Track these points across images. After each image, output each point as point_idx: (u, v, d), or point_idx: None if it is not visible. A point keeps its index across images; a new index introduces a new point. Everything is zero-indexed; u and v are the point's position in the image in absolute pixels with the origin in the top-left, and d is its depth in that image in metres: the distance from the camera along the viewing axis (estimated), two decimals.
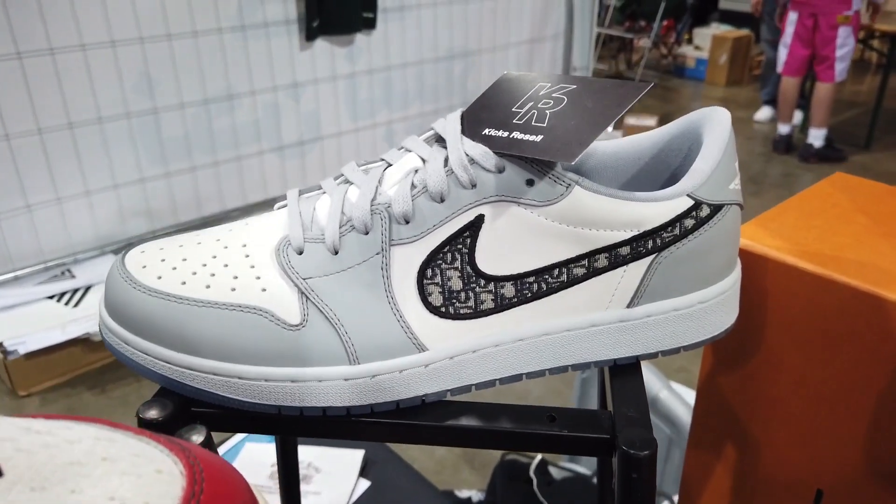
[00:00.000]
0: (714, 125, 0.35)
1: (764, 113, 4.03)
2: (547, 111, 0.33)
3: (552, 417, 0.33)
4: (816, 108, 3.31)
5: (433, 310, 0.32)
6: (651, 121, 3.40)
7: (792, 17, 3.23)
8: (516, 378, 0.34)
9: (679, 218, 0.33)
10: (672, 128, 0.37)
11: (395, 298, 0.32)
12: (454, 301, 0.32)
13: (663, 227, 0.33)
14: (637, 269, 0.33)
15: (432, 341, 0.32)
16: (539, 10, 2.92)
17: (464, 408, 0.33)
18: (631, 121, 3.39)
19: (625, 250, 0.33)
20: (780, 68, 3.39)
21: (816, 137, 3.38)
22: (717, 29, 4.98)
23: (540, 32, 2.99)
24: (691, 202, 0.33)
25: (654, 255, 0.33)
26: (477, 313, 0.33)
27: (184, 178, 2.07)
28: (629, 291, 0.34)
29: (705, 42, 4.87)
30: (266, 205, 2.25)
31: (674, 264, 0.34)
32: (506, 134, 0.32)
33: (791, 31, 3.24)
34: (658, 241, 0.33)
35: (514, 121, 0.33)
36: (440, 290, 0.32)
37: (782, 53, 3.34)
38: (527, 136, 0.32)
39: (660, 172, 0.38)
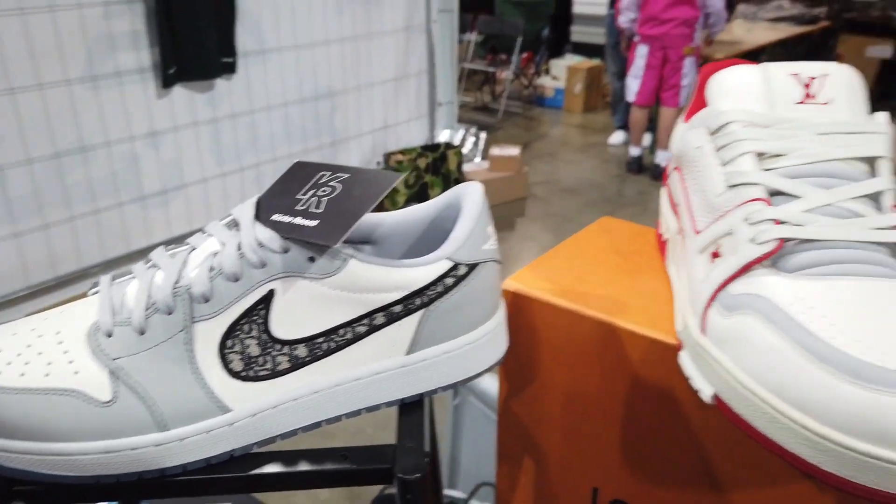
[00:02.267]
0: (468, 198, 0.43)
1: (617, 137, 4.37)
2: (324, 198, 0.39)
3: (344, 456, 0.38)
4: (663, 131, 3.61)
5: (235, 375, 0.37)
6: (514, 150, 3.59)
7: (642, 50, 3.52)
8: (316, 425, 0.40)
9: (441, 278, 0.40)
10: (440, 201, 0.45)
11: (200, 368, 0.37)
12: (253, 365, 0.38)
13: (428, 286, 0.40)
14: (410, 322, 0.40)
15: (236, 402, 0.37)
16: (401, 49, 3.04)
17: (269, 457, 0.39)
18: (495, 151, 3.57)
19: (398, 308, 0.40)
20: (631, 98, 3.68)
21: (664, 158, 3.70)
22: (570, 60, 5.34)
23: (404, 70, 3.10)
24: (451, 264, 0.40)
25: (423, 310, 0.40)
26: (275, 374, 0.38)
27: (35, 237, 1.98)
28: (406, 341, 0.41)
29: (561, 72, 5.21)
30: (129, 258, 2.19)
31: (441, 315, 0.41)
32: (289, 219, 0.38)
33: (642, 64, 3.54)
34: (425, 298, 0.40)
35: (297, 207, 0.39)
36: (240, 357, 0.37)
37: (633, 84, 3.62)
38: (305, 222, 0.38)
39: (435, 238, 0.46)
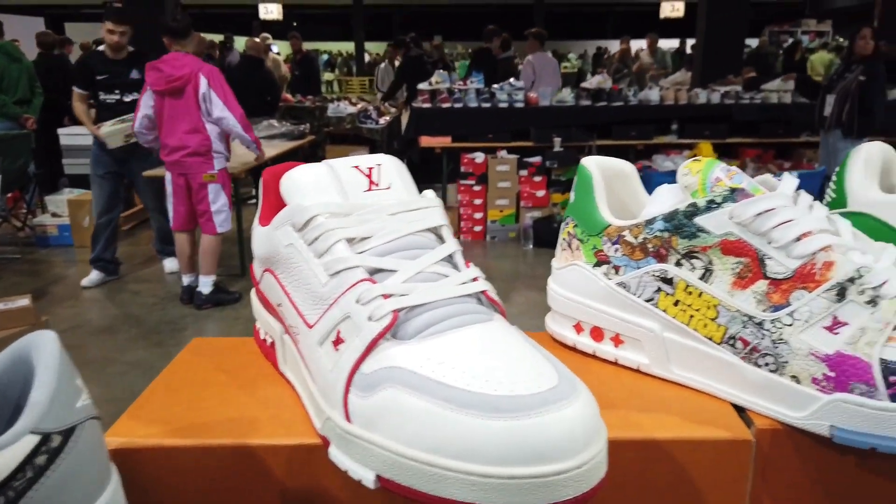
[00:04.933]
0: (42, 351, 0.34)
1: (171, 264, 4.02)
2: None
3: None
4: (202, 257, 3.49)
5: None
6: (23, 300, 3.07)
7: (168, 176, 3.38)
8: None
9: (29, 459, 0.31)
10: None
11: None
12: None
13: (13, 476, 0.30)
14: None
15: None
16: None
17: None
18: (0, 307, 2.99)
19: None
20: (171, 224, 3.49)
21: (205, 284, 3.57)
22: (70, 194, 4.88)
23: None
24: (37, 437, 0.31)
25: None
26: None
27: None
28: None
29: (62, 208, 4.72)
30: None
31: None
32: None
33: (169, 190, 3.40)
34: (12, 493, 0.30)
35: None
36: None
37: (169, 209, 3.44)
38: None
39: (2, 412, 0.35)
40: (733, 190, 0.45)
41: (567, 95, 5.23)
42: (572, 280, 0.53)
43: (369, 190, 0.45)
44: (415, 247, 0.43)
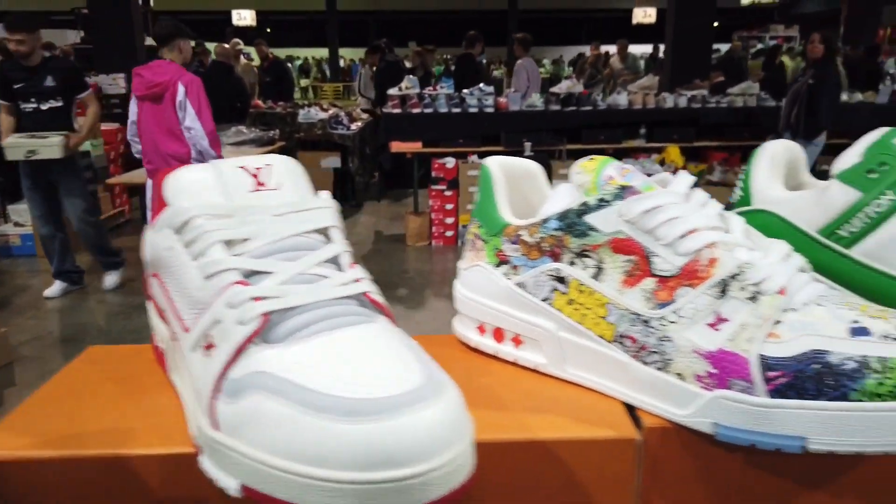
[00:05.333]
0: None
1: (111, 280, 3.97)
2: None
3: None
4: None
5: None
6: None
7: (148, 183, 3.34)
8: None
9: None
10: None
11: None
12: None
13: None
14: None
15: None
16: None
17: None
18: None
19: None
20: None
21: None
22: None
23: None
24: None
25: None
26: None
27: None
28: None
29: (25, 217, 4.63)
30: None
31: None
32: None
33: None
34: None
35: None
36: None
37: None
38: None
39: None
40: (623, 188, 0.45)
41: (537, 100, 5.26)
42: (475, 281, 0.52)
43: (255, 191, 0.44)
44: (298, 248, 0.42)
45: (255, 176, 0.45)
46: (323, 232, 0.44)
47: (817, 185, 0.54)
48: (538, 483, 0.43)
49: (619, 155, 5.08)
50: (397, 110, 5.06)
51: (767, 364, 0.39)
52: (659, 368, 0.43)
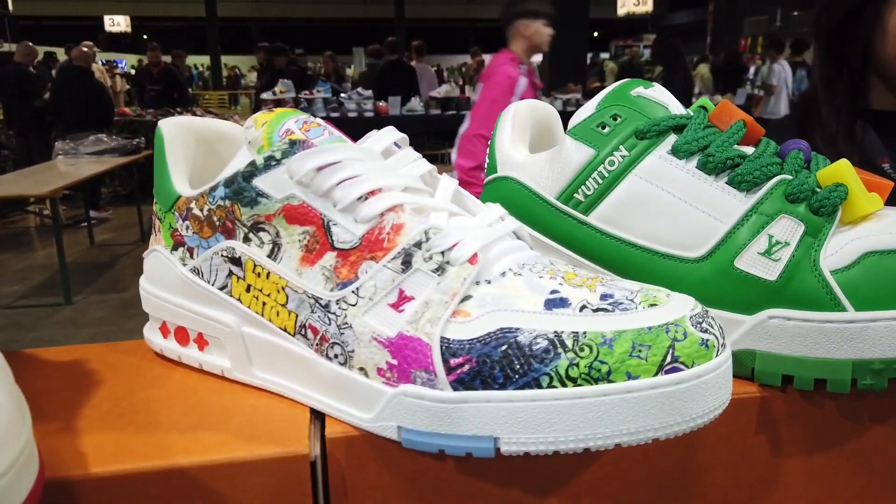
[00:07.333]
0: None
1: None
2: None
3: None
4: None
5: None
6: None
7: None
8: None
9: None
10: None
11: None
12: None
13: None
14: None
15: None
16: None
17: None
18: None
19: None
20: None
21: None
22: None
23: None
24: None
25: None
26: None
27: None
28: None
29: None
30: None
31: None
32: None
33: None
34: None
35: None
36: None
37: None
38: None
39: None
40: (293, 142, 0.36)
41: (416, 105, 5.22)
42: (153, 270, 0.42)
43: None
44: None
45: None
46: None
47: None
48: None
49: None
50: None
51: (450, 349, 0.32)
52: (342, 363, 0.35)
